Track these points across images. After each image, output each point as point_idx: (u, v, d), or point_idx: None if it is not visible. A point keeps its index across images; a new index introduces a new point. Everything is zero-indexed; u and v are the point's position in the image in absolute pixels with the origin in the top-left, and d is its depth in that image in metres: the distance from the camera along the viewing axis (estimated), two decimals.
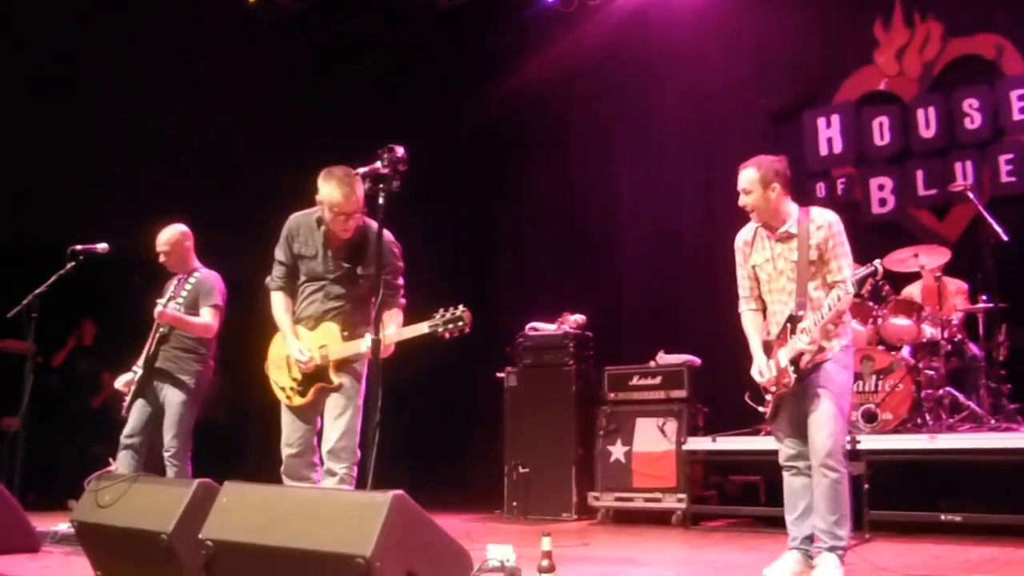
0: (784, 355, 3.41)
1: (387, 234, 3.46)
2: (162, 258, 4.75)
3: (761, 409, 3.58)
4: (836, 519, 3.33)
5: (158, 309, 4.42)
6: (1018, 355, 5.23)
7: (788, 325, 3.42)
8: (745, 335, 3.64)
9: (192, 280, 4.68)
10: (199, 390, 4.62)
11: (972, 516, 4.66)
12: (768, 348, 3.51)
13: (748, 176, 3.48)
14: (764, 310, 3.61)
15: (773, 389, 3.48)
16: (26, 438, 5.00)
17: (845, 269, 3.38)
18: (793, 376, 3.38)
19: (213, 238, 5.18)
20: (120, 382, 4.66)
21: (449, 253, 8.34)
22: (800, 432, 3.49)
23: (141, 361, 4.60)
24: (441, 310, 3.38)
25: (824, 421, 3.34)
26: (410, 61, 8.22)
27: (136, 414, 4.59)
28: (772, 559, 3.77)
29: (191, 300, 4.61)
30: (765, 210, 3.48)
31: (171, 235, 4.75)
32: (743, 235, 3.65)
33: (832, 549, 3.35)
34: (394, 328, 3.53)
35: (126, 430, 4.59)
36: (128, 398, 4.60)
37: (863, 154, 6.89)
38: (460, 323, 3.34)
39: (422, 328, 3.41)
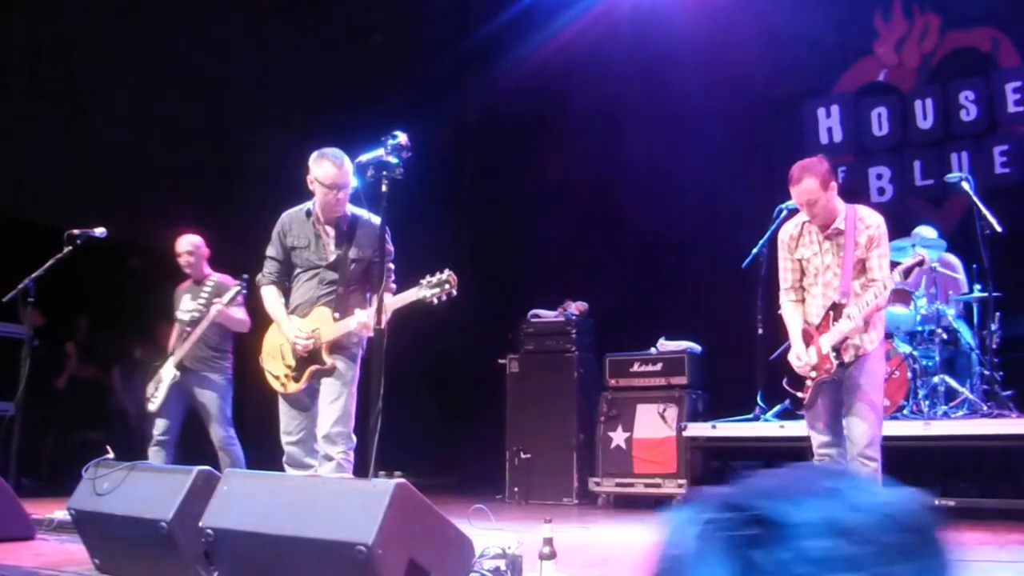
0: (827, 341, 3.49)
1: (377, 219, 3.45)
2: (184, 260, 4.95)
3: (800, 395, 3.63)
4: None
5: (216, 307, 4.62)
6: (1011, 343, 5.27)
7: (831, 313, 3.50)
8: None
9: (210, 283, 4.93)
10: (230, 382, 4.89)
11: (966, 501, 4.73)
12: (808, 336, 3.58)
13: (810, 187, 3.46)
14: (802, 301, 3.69)
15: (813, 375, 3.54)
16: (22, 423, 4.99)
17: (884, 268, 3.50)
18: (835, 362, 3.45)
19: (214, 223, 5.18)
20: (151, 388, 4.83)
21: (451, 239, 8.31)
22: (835, 421, 3.56)
23: (171, 363, 4.78)
24: (427, 276, 3.38)
25: (863, 413, 3.41)
26: (413, 45, 8.16)
27: (170, 413, 4.80)
28: None
29: (214, 299, 4.78)
30: (825, 212, 3.51)
31: (193, 241, 4.99)
32: (789, 230, 3.71)
33: None
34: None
35: (159, 428, 4.81)
36: (158, 397, 4.78)
37: (862, 144, 6.90)
38: (447, 286, 3.35)
39: (410, 295, 3.41)
